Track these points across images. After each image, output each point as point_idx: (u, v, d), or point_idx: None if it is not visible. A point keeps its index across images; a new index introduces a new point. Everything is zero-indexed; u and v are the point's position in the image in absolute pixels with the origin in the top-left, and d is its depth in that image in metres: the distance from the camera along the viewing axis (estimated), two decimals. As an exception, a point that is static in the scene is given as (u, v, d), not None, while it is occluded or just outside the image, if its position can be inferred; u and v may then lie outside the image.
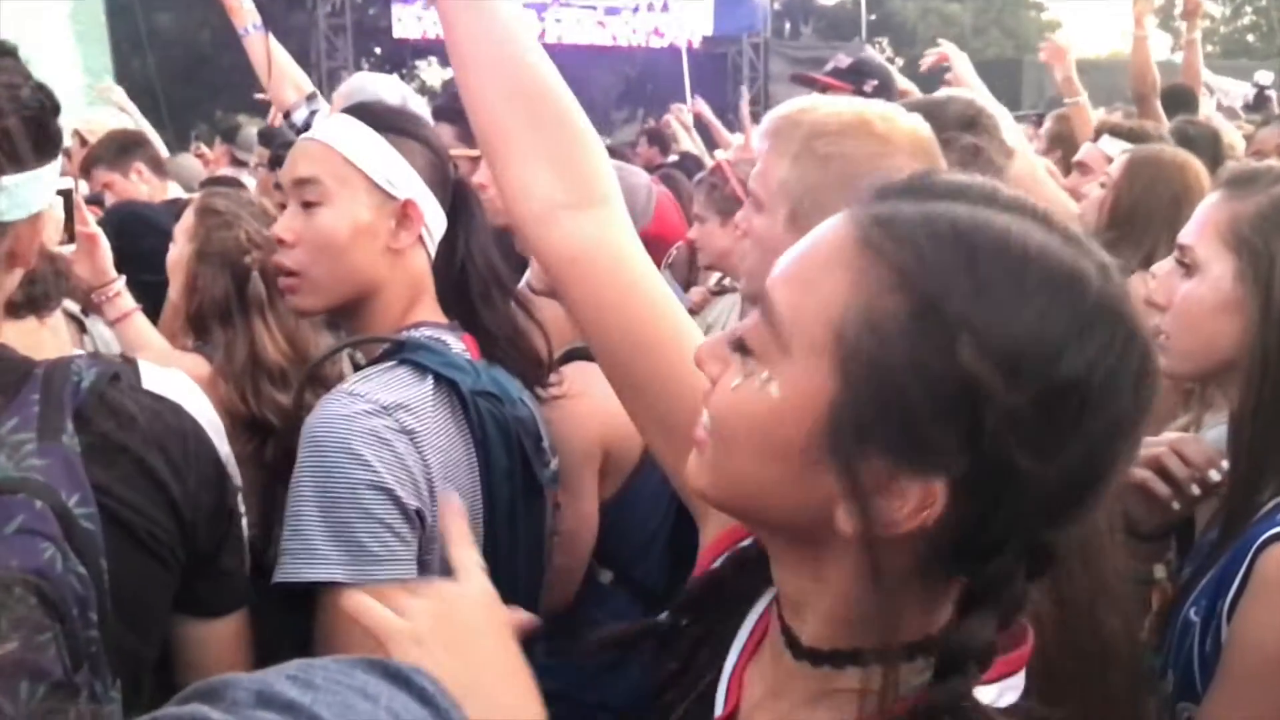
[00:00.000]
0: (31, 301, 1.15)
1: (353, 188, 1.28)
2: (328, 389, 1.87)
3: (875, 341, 0.59)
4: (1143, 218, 2.21)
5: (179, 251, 1.90)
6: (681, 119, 5.58)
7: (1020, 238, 0.59)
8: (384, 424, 1.16)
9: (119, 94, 4.88)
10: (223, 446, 1.11)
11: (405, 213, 1.30)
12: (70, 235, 1.89)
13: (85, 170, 3.48)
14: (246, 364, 1.81)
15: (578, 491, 1.69)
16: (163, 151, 5.15)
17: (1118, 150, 2.78)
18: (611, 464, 1.75)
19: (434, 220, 1.34)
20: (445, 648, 0.71)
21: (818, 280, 0.62)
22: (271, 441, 1.75)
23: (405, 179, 1.30)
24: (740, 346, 0.66)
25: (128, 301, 1.98)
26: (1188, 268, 1.25)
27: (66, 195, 1.85)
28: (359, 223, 1.29)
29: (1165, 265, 1.33)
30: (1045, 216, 0.62)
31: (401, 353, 1.25)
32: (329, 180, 1.28)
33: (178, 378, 1.12)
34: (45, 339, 1.14)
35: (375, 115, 1.34)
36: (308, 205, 1.29)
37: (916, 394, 0.58)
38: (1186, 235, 1.27)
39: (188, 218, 1.92)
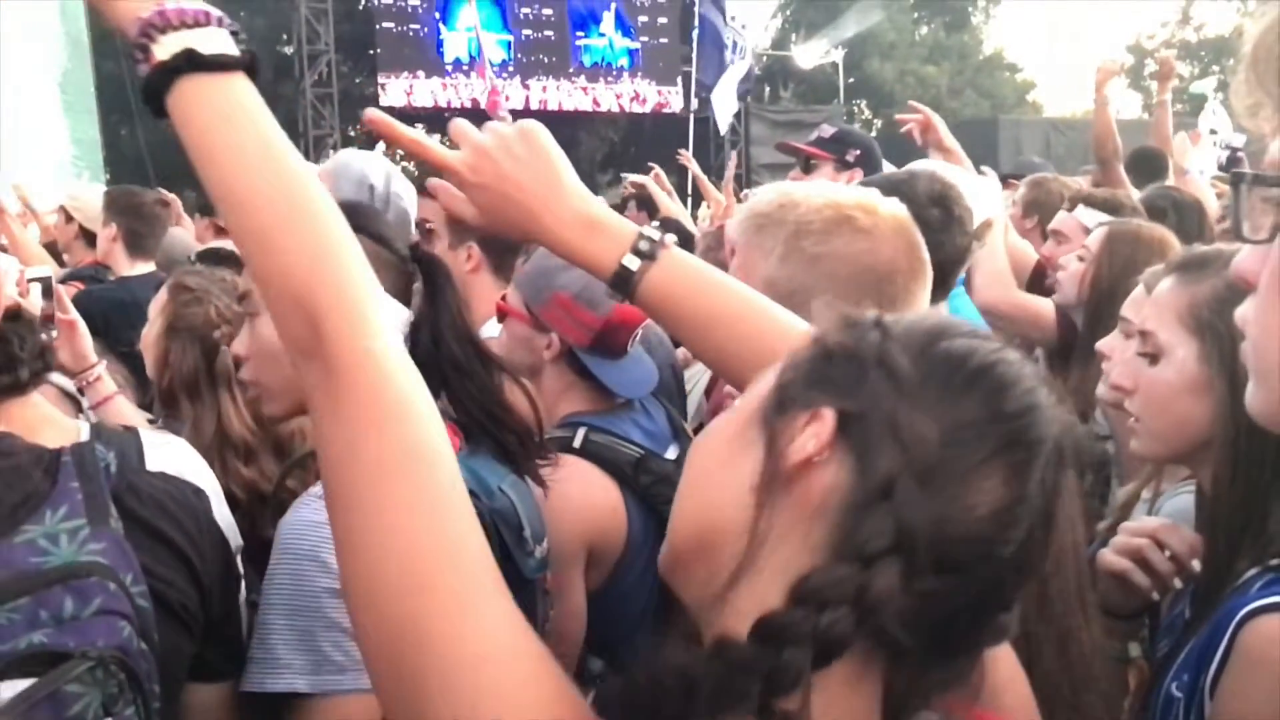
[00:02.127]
0: (35, 376, 1.15)
1: None
2: (309, 471, 1.86)
3: (814, 341, 0.73)
4: (1123, 293, 2.24)
5: (152, 328, 1.90)
6: (663, 183, 5.60)
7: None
8: None
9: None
10: (222, 510, 1.20)
11: None
12: (50, 322, 1.90)
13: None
14: (214, 439, 1.80)
15: (566, 589, 1.66)
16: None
17: (1093, 220, 2.81)
18: (595, 558, 1.73)
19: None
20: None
21: None
22: (236, 517, 1.73)
23: None
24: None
25: (109, 385, 1.99)
26: (1151, 355, 1.27)
27: (45, 282, 1.86)
28: None
29: (1113, 342, 1.35)
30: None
31: None
32: None
33: (181, 448, 1.21)
34: (49, 414, 1.15)
35: None
36: (251, 317, 1.33)
37: (828, 358, 0.70)
38: (1146, 321, 1.30)
39: (161, 295, 1.92)
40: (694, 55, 7.31)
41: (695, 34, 7.40)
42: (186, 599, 1.07)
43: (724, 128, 7.19)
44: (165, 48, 0.77)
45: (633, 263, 0.99)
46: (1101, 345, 1.43)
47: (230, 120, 0.75)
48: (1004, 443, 0.67)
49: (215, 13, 0.79)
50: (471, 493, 1.23)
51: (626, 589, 1.75)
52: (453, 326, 1.38)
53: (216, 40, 0.77)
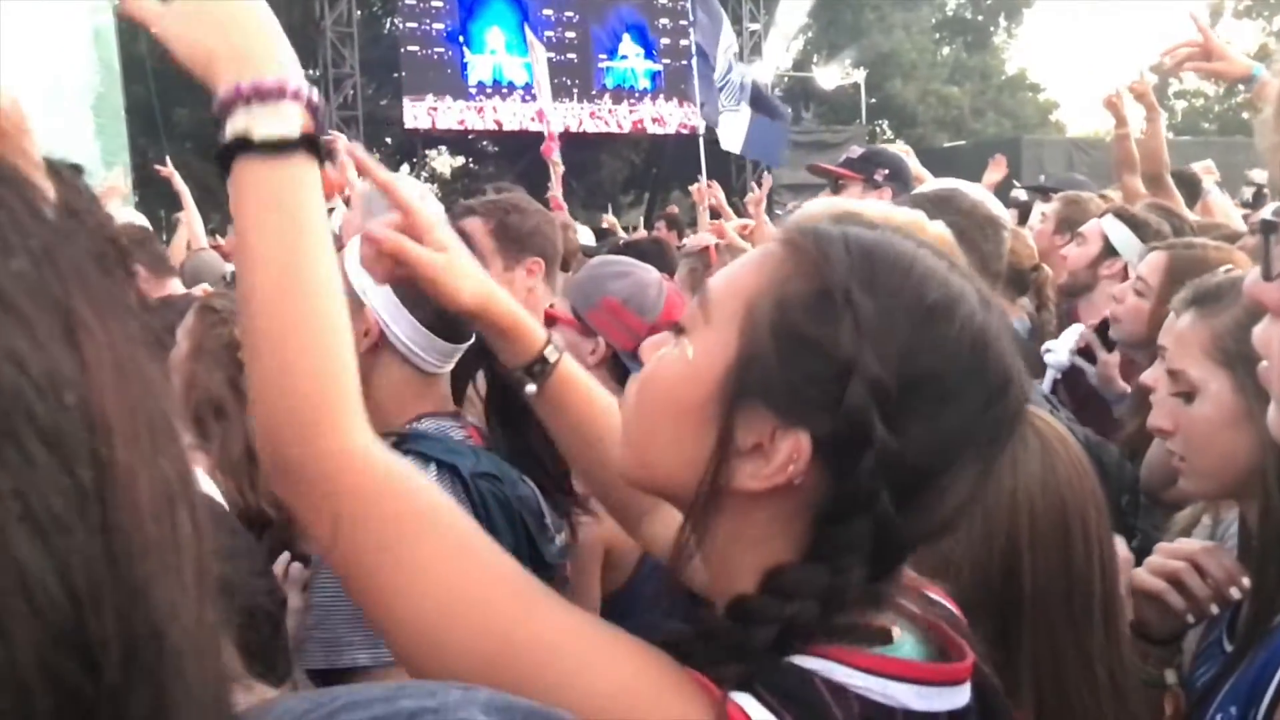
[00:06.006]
0: None
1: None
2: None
3: (778, 314, 0.69)
4: None
5: (179, 350, 1.91)
6: (712, 194, 5.71)
7: (914, 257, 0.71)
8: None
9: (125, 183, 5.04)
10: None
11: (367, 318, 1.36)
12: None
13: None
14: (243, 457, 1.81)
15: (582, 587, 1.70)
16: (200, 238, 5.28)
17: (1116, 232, 2.78)
18: (614, 559, 1.75)
19: (404, 330, 1.37)
20: (190, 28, 0.81)
21: (745, 269, 0.74)
22: (269, 533, 1.74)
23: (373, 287, 1.35)
24: (677, 329, 0.76)
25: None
26: (1186, 394, 1.26)
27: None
28: None
29: (1157, 373, 1.33)
30: (944, 255, 0.73)
31: (405, 444, 1.31)
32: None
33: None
34: None
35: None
36: None
37: (799, 358, 0.68)
38: (1174, 360, 1.28)
39: (189, 318, 1.94)
40: (695, 87, 7.30)
41: (694, 62, 7.38)
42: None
43: (734, 148, 7.09)
44: (230, 127, 0.78)
45: (553, 354, 1.04)
46: (1145, 378, 1.40)
47: (261, 219, 0.78)
48: (984, 443, 0.69)
49: (292, 84, 0.79)
50: (495, 478, 1.31)
51: (643, 594, 1.77)
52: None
53: (283, 117, 0.78)
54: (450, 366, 1.43)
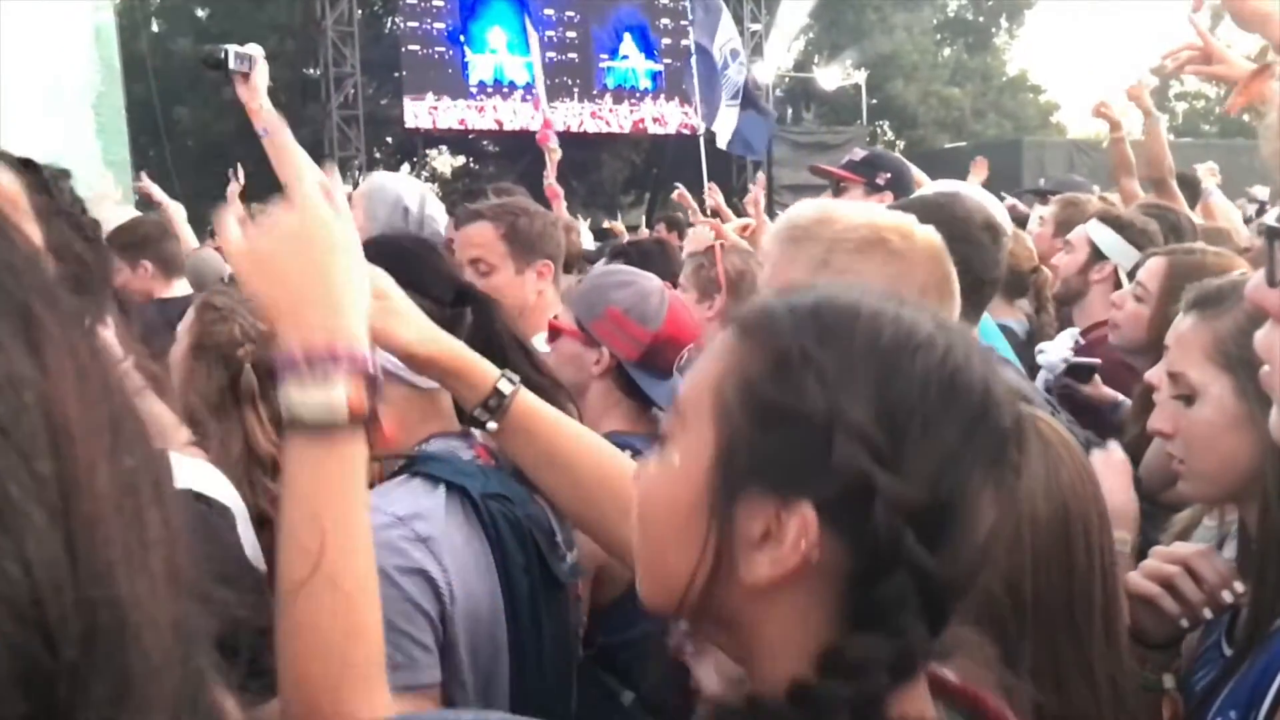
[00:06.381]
0: None
1: None
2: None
3: (744, 392, 0.68)
4: None
5: (179, 347, 1.92)
6: (687, 200, 5.74)
7: (859, 302, 0.71)
8: (399, 534, 1.20)
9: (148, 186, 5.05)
10: (247, 532, 1.26)
11: None
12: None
13: None
14: (241, 456, 1.81)
15: None
16: (190, 239, 5.29)
17: (1101, 235, 2.78)
18: (608, 573, 1.73)
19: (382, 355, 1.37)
20: (260, 277, 0.87)
21: (704, 364, 0.74)
22: (267, 532, 1.74)
23: None
24: (661, 439, 0.76)
25: (134, 380, 2.01)
26: (1186, 397, 1.25)
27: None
28: None
29: (1162, 370, 1.32)
30: (893, 297, 0.73)
31: (413, 467, 1.30)
32: None
33: (203, 467, 1.27)
34: None
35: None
36: None
37: (778, 429, 0.66)
38: (1174, 363, 1.28)
39: (189, 315, 1.94)
40: (694, 86, 7.31)
41: (693, 64, 7.37)
42: None
43: (722, 144, 7.07)
44: (284, 397, 0.85)
45: (506, 386, 1.06)
46: (1150, 375, 1.39)
47: (302, 498, 0.85)
48: (987, 460, 0.67)
49: (341, 347, 0.84)
50: (505, 498, 1.30)
51: (639, 607, 1.76)
52: (508, 365, 1.40)
53: (331, 393, 0.84)
54: None
